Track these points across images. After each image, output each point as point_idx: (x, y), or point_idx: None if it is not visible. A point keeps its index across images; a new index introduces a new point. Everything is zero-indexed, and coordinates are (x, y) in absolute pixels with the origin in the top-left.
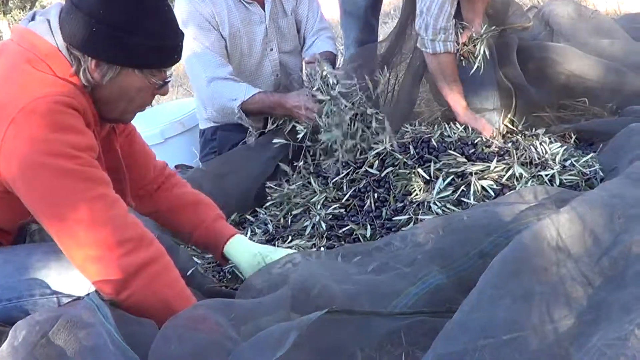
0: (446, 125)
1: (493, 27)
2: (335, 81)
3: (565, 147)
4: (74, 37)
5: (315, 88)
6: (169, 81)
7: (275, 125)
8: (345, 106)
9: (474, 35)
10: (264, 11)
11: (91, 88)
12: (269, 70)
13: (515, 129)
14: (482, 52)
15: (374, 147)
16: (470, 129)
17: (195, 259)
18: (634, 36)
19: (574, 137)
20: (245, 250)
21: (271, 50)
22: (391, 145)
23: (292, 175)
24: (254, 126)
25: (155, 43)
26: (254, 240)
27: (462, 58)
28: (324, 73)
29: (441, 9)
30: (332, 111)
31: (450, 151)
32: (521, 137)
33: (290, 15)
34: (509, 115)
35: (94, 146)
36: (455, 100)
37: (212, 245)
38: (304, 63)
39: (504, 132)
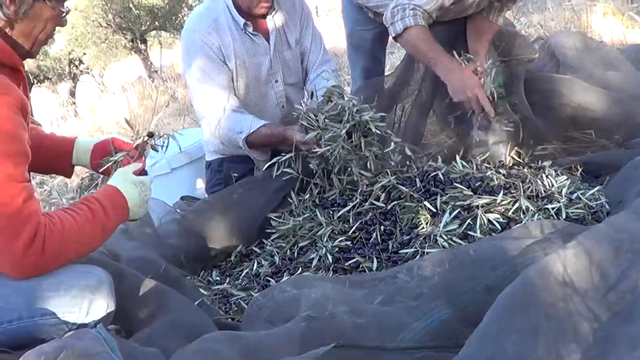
0: (457, 158)
1: (499, 60)
2: (315, 114)
3: (571, 179)
4: None
5: (299, 125)
6: (69, 10)
7: (282, 157)
8: (338, 129)
9: (478, 69)
10: (269, 43)
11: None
12: (274, 102)
13: (521, 161)
14: (491, 84)
15: (379, 180)
16: (475, 165)
17: (202, 290)
18: None
19: (580, 169)
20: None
21: (276, 82)
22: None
23: (299, 207)
24: (259, 159)
25: None
26: (260, 272)
27: None
28: (305, 109)
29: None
30: (329, 137)
31: (456, 184)
32: (527, 169)
33: (295, 48)
34: (516, 148)
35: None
36: (443, 58)
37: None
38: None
39: (510, 164)
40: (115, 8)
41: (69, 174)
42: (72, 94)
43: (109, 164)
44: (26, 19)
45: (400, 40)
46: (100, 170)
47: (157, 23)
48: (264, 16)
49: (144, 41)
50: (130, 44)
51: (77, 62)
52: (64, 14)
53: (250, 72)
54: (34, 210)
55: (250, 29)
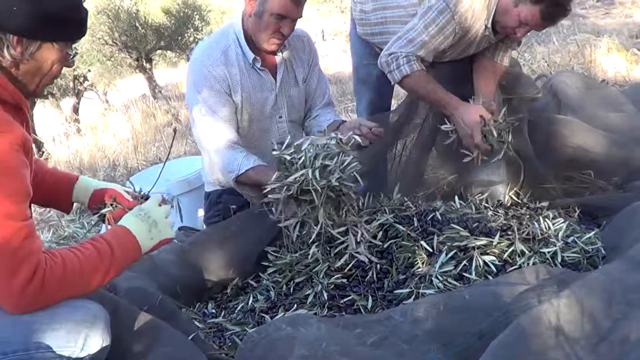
0: (455, 199)
1: (514, 118)
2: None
3: (568, 222)
4: None
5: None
6: (76, 53)
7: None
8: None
9: (490, 126)
10: (275, 80)
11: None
12: (277, 137)
13: (520, 201)
14: (506, 139)
15: (377, 218)
16: (474, 206)
17: (197, 323)
18: None
19: (577, 211)
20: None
21: (280, 117)
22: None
23: (295, 241)
24: (251, 196)
25: (72, 16)
26: (255, 307)
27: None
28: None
29: (416, 37)
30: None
31: (453, 225)
32: (525, 210)
33: (302, 85)
34: (515, 188)
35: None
36: (445, 97)
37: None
38: (303, 133)
39: (509, 204)
40: (122, 26)
41: (68, 210)
42: (76, 110)
43: (103, 212)
44: (32, 60)
45: (401, 86)
46: (94, 217)
47: (162, 42)
48: (274, 52)
49: (149, 60)
50: (136, 62)
51: (81, 79)
52: (71, 56)
53: (255, 107)
54: (34, 249)
55: (258, 64)
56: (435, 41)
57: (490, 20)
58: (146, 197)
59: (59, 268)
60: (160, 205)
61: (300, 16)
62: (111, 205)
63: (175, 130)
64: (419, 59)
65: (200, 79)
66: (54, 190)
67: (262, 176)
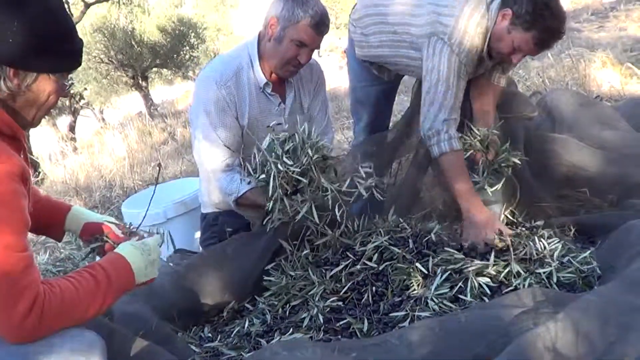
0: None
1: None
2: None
3: (563, 242)
4: None
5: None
6: (72, 84)
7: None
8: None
9: (484, 166)
10: (285, 104)
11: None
12: None
13: (515, 220)
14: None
15: (372, 240)
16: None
17: (193, 347)
18: (637, 122)
19: (573, 230)
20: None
21: None
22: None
23: (292, 264)
24: (252, 217)
25: (66, 48)
26: (251, 331)
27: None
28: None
29: (443, 101)
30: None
31: (447, 248)
32: (521, 229)
33: (306, 112)
34: (510, 207)
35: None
36: (469, 197)
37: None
38: None
39: (505, 223)
40: (118, 44)
41: (60, 239)
42: (72, 128)
43: (92, 246)
44: (29, 91)
45: (437, 163)
46: (85, 251)
47: (158, 60)
48: (286, 78)
49: (145, 78)
50: (132, 80)
51: (77, 97)
52: (67, 87)
53: (262, 131)
54: (33, 280)
55: (269, 89)
56: (461, 92)
57: (485, 48)
58: (135, 233)
59: (57, 298)
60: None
61: (319, 47)
62: (101, 240)
63: (159, 166)
64: (456, 123)
65: (208, 97)
66: (46, 219)
67: (258, 197)
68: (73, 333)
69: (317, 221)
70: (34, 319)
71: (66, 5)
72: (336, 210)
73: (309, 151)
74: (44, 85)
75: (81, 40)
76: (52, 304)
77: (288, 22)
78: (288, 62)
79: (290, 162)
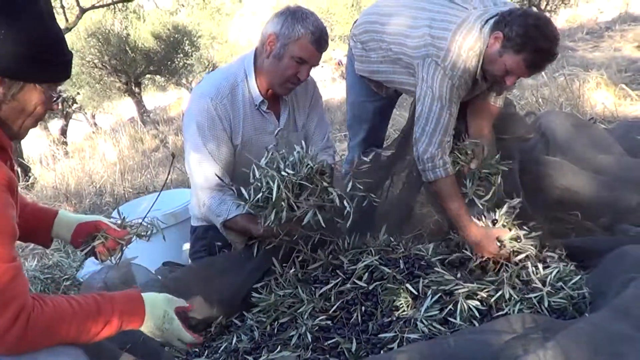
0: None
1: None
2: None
3: (554, 266)
4: None
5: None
6: (60, 96)
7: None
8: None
9: (470, 176)
10: (279, 122)
11: None
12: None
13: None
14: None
15: (363, 259)
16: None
17: None
18: (630, 146)
19: (564, 252)
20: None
21: None
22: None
23: (281, 281)
24: (235, 242)
25: (54, 58)
26: (239, 348)
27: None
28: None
29: (437, 125)
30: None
31: (437, 269)
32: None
33: (301, 131)
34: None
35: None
36: (462, 219)
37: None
38: None
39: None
40: (112, 50)
41: (47, 245)
42: (64, 132)
43: (94, 244)
44: (14, 100)
45: (430, 187)
46: (84, 252)
47: (152, 67)
48: (281, 96)
49: (138, 84)
50: (125, 86)
51: (70, 101)
52: (54, 99)
53: (255, 149)
54: (19, 292)
55: (264, 107)
56: (454, 114)
57: (479, 70)
58: (132, 225)
59: (46, 315)
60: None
61: (318, 64)
62: (102, 237)
63: (174, 155)
64: (449, 146)
65: (201, 112)
66: (32, 226)
67: (249, 223)
68: (57, 350)
69: (323, 225)
70: (18, 330)
71: (62, 10)
72: (345, 204)
73: (310, 162)
74: (31, 95)
75: (71, 52)
76: (38, 318)
77: (288, 39)
78: (288, 80)
79: (292, 172)
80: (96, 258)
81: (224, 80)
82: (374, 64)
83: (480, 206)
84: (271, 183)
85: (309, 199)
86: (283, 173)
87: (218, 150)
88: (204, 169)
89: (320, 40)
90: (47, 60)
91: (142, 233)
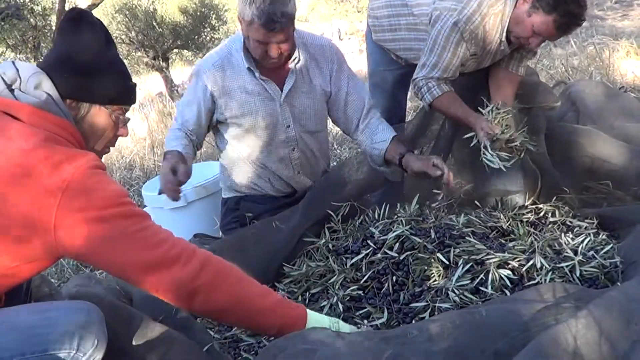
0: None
1: (521, 107)
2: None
3: (586, 235)
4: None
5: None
6: (128, 120)
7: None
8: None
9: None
10: (281, 90)
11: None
12: (284, 144)
13: (538, 211)
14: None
15: (393, 229)
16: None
17: (212, 334)
18: None
19: (596, 221)
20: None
21: (288, 127)
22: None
23: (313, 251)
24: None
25: (119, 83)
26: None
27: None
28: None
29: (439, 59)
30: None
31: (468, 238)
32: (543, 221)
33: (319, 96)
34: (533, 198)
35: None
36: (471, 117)
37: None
38: (364, 146)
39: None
40: (139, 25)
41: None
42: None
43: None
44: (83, 123)
45: (433, 108)
46: None
47: (179, 42)
48: (282, 65)
49: (166, 59)
50: (152, 61)
51: None
52: (124, 123)
53: (259, 114)
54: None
55: (257, 74)
56: (456, 61)
57: (504, 33)
58: None
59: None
60: None
61: (285, 39)
62: None
63: None
64: (447, 80)
65: (200, 68)
66: None
67: (171, 159)
68: (70, 305)
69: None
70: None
71: None
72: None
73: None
74: (97, 118)
75: (135, 83)
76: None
77: (244, 23)
78: (263, 58)
79: None
80: None
81: (221, 50)
82: (387, 32)
83: (501, 167)
84: None
85: None
86: None
87: (195, 99)
88: (179, 113)
89: (268, 22)
90: (107, 82)
91: None
